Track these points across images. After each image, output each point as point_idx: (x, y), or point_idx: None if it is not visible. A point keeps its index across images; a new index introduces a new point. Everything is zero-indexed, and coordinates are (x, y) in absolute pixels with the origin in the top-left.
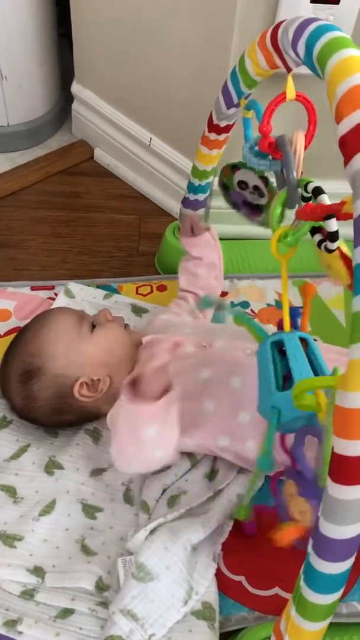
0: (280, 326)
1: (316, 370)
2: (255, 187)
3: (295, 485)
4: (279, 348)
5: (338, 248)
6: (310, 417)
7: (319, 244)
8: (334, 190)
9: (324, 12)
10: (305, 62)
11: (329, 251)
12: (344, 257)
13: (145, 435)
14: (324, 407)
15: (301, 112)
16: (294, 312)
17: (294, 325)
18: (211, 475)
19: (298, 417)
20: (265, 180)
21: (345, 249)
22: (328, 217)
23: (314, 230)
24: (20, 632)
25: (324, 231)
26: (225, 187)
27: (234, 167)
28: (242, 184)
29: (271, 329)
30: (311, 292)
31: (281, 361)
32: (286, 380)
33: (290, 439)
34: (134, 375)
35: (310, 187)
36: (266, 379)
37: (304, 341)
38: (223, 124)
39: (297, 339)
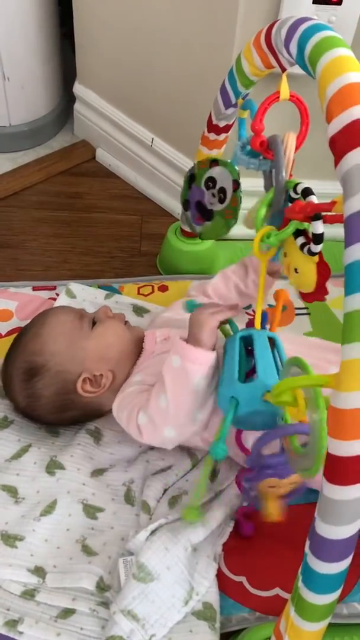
0: (250, 325)
1: (279, 370)
2: (221, 190)
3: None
4: (247, 348)
5: (320, 253)
6: (271, 413)
7: (302, 246)
8: (322, 190)
9: (326, 13)
10: (298, 61)
11: (312, 254)
12: (322, 263)
13: (197, 384)
14: (302, 405)
15: (294, 113)
16: (264, 315)
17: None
18: (212, 476)
19: (257, 411)
20: (237, 184)
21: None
22: (315, 219)
23: (297, 233)
24: (21, 632)
25: (307, 234)
26: (190, 179)
27: (213, 162)
28: (210, 182)
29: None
30: (283, 297)
31: (246, 358)
32: (247, 376)
33: (245, 435)
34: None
35: (299, 188)
36: (229, 369)
37: (271, 341)
38: (222, 124)
39: (266, 337)
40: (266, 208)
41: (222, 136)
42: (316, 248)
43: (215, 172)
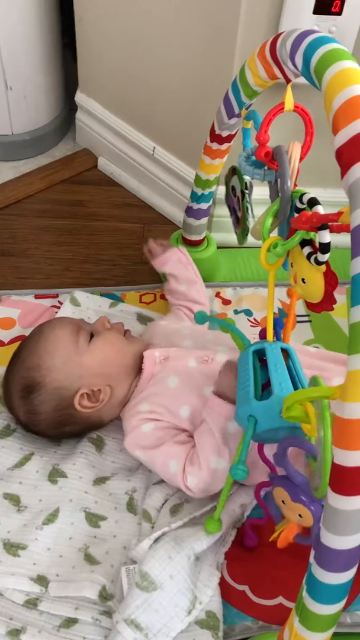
0: (262, 336)
1: (295, 381)
2: (239, 199)
3: (285, 491)
4: (260, 357)
5: (326, 262)
6: (292, 428)
7: (309, 256)
8: (325, 198)
9: (327, 23)
10: (303, 73)
11: (319, 263)
12: (329, 273)
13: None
14: (313, 419)
15: (298, 124)
16: (277, 323)
17: (277, 336)
18: None
19: (278, 427)
20: (242, 194)
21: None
22: (321, 228)
23: (303, 243)
24: None
25: (314, 244)
26: (227, 185)
27: (233, 171)
28: (233, 190)
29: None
30: (296, 296)
31: (261, 370)
32: (264, 389)
33: (269, 448)
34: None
35: (305, 198)
36: (245, 387)
37: (285, 352)
38: (225, 133)
39: (279, 350)
40: (272, 218)
41: (225, 146)
42: (323, 257)
43: (233, 180)
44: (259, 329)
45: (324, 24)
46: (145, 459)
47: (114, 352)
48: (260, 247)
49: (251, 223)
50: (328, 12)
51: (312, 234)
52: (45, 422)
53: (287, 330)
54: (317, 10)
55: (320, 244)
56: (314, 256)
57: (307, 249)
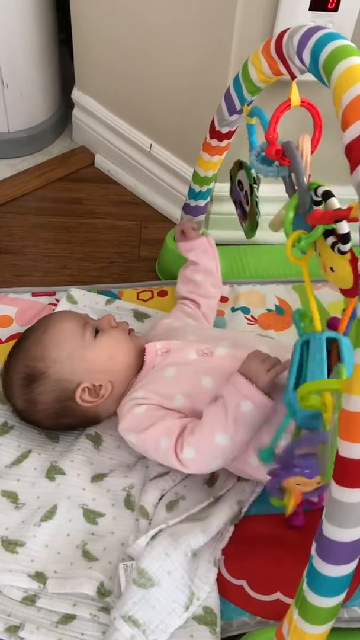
0: (331, 326)
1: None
2: (246, 193)
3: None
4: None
5: (350, 250)
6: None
7: (332, 246)
8: (340, 195)
9: (323, 20)
10: (311, 70)
11: (342, 253)
12: (353, 259)
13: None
14: (329, 408)
15: (304, 118)
16: (333, 321)
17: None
18: (211, 481)
19: (310, 414)
20: (251, 189)
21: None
22: (338, 220)
23: (326, 233)
24: (22, 638)
25: (337, 233)
26: (231, 179)
27: (240, 164)
28: (240, 184)
29: (272, 334)
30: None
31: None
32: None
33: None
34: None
35: (320, 191)
36: (290, 377)
37: (336, 342)
38: (225, 130)
39: (324, 339)
40: (293, 212)
41: (224, 142)
42: (345, 247)
43: (240, 174)
44: (256, 326)
45: (320, 21)
46: (138, 443)
47: (119, 349)
48: (258, 244)
49: (259, 217)
50: (324, 8)
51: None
52: (43, 413)
53: (343, 321)
54: (313, 7)
55: (340, 235)
56: (337, 246)
57: (330, 239)
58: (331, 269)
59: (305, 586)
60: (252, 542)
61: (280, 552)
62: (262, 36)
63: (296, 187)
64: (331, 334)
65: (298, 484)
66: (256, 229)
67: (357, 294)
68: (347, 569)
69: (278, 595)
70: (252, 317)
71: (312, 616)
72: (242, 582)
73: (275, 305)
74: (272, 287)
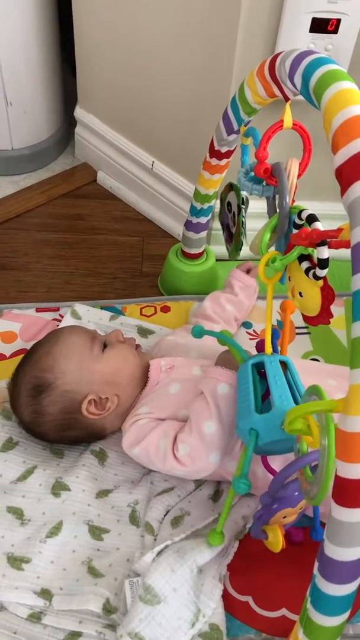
0: (259, 348)
1: (294, 393)
2: (234, 214)
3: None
4: (258, 370)
5: (324, 277)
6: (293, 439)
7: (307, 271)
8: (321, 211)
9: (323, 42)
10: (302, 93)
11: (317, 278)
12: (326, 287)
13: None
14: (315, 432)
15: (295, 140)
16: (275, 335)
17: (274, 348)
18: (215, 496)
19: (278, 440)
20: (239, 210)
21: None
22: (320, 245)
23: (301, 258)
24: None
25: (312, 259)
26: (221, 201)
27: (230, 187)
28: (229, 206)
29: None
30: (291, 309)
31: (260, 382)
32: (263, 399)
33: (272, 459)
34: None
35: (304, 215)
36: (245, 400)
37: (283, 364)
38: (224, 149)
39: (278, 362)
40: (270, 233)
41: (224, 161)
42: (321, 272)
43: (230, 196)
44: (257, 341)
45: (320, 43)
46: (141, 454)
47: (126, 363)
48: (257, 260)
49: (244, 238)
50: (324, 30)
51: (310, 249)
52: (49, 424)
53: (284, 342)
54: (313, 29)
55: (319, 259)
56: (312, 271)
57: (305, 264)
58: (300, 294)
59: (309, 605)
60: (257, 558)
61: (285, 568)
62: (264, 57)
63: (277, 209)
64: (282, 357)
65: (284, 517)
66: (240, 250)
67: (321, 322)
68: (350, 587)
69: (283, 611)
70: (254, 331)
71: (317, 635)
72: (248, 598)
73: (277, 320)
74: (274, 302)
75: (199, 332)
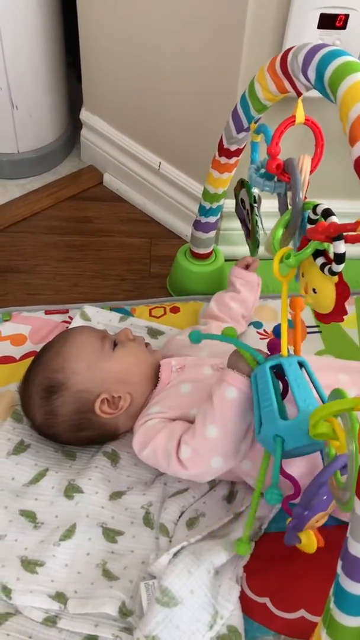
0: (271, 346)
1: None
2: (248, 212)
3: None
4: (273, 370)
5: (339, 273)
6: (319, 443)
7: (322, 266)
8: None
9: (331, 37)
10: (316, 86)
11: (333, 274)
12: (341, 283)
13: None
14: (341, 434)
15: (305, 135)
16: (276, 330)
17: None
18: (230, 497)
19: (305, 444)
20: (252, 208)
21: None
22: (337, 239)
23: (316, 254)
24: None
25: (327, 254)
26: (235, 197)
27: (242, 183)
28: (243, 203)
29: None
30: (300, 306)
31: (276, 386)
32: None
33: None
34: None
35: (319, 209)
36: (267, 406)
37: (300, 365)
38: (233, 147)
39: (297, 364)
40: (283, 230)
41: (233, 160)
42: (338, 268)
43: (242, 193)
44: (267, 340)
45: (328, 39)
46: (150, 456)
47: (137, 361)
48: (270, 259)
49: (261, 236)
50: (332, 26)
51: (325, 244)
52: (62, 425)
53: (297, 341)
54: (321, 25)
55: (336, 254)
56: (328, 267)
57: (320, 260)
58: (313, 290)
59: (332, 605)
60: (274, 559)
61: (302, 569)
62: (271, 54)
63: (290, 205)
64: (299, 358)
65: (317, 521)
66: (258, 247)
67: (334, 320)
68: None
69: (302, 612)
70: (264, 331)
71: (341, 635)
72: (266, 600)
73: (288, 319)
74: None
75: (196, 338)
